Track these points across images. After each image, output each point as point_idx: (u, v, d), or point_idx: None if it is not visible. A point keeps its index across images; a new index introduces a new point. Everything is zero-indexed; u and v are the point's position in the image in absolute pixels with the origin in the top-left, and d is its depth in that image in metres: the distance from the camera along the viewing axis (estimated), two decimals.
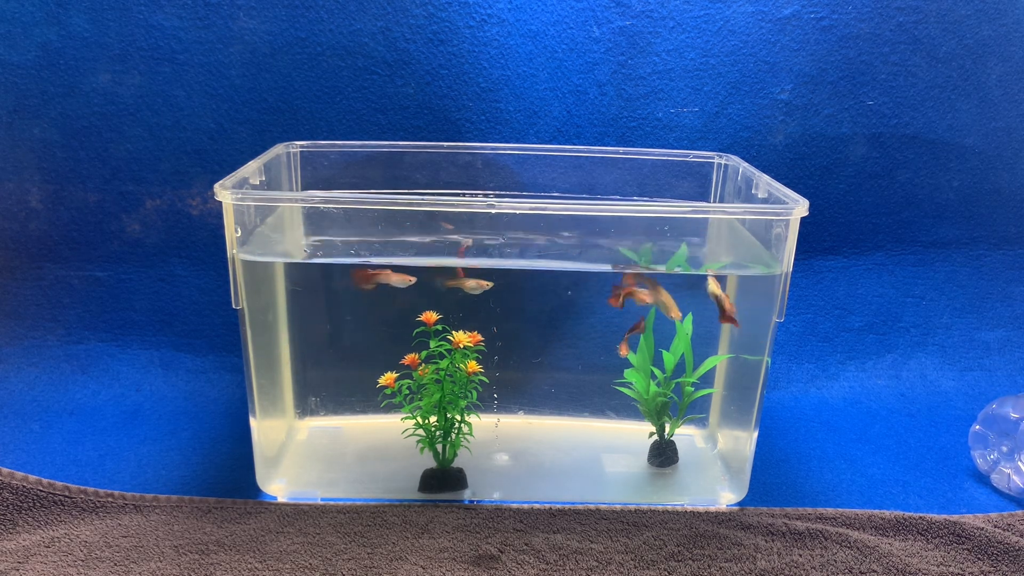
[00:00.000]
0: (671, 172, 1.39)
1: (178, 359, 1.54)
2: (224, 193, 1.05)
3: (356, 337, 1.34)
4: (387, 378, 1.17)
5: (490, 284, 1.19)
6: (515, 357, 1.33)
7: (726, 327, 1.30)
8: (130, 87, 1.43)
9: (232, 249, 1.08)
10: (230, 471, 1.27)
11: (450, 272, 1.19)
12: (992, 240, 1.62)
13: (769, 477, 1.30)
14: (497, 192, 1.40)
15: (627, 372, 1.27)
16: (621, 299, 1.20)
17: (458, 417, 1.18)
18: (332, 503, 1.17)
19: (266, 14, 1.40)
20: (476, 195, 1.39)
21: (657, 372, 1.26)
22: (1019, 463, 1.24)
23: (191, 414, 1.44)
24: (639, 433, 1.30)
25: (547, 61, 1.46)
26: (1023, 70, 1.52)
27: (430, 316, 1.15)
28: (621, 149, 1.40)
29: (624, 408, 1.35)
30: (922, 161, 1.56)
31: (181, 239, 1.51)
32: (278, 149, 1.32)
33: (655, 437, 1.28)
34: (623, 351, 1.24)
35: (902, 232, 1.60)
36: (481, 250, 1.14)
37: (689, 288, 1.26)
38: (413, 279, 1.17)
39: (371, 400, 1.22)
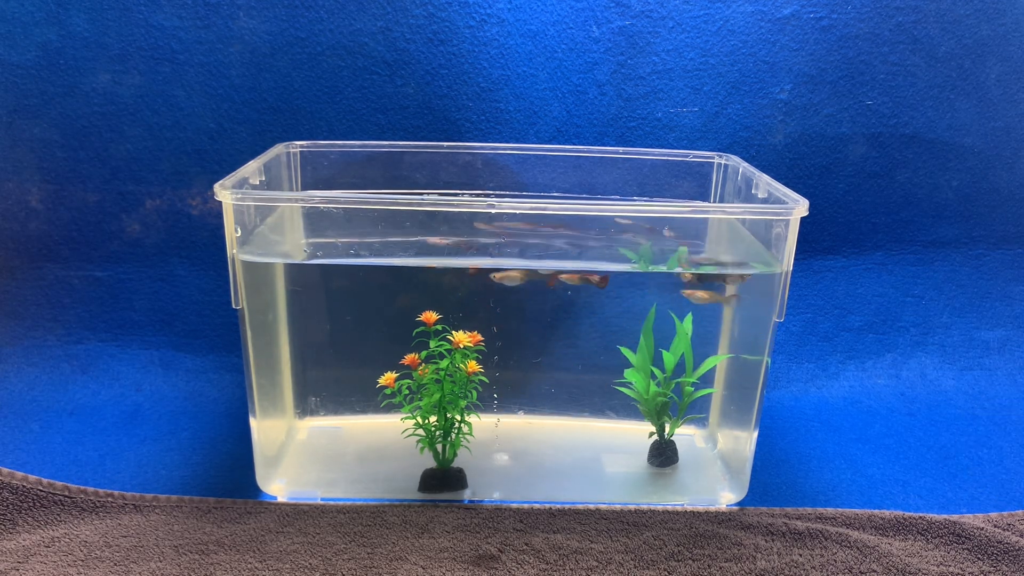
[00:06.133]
0: (671, 172, 1.39)
1: (178, 359, 1.54)
2: (224, 193, 1.05)
3: (356, 337, 1.34)
4: (387, 378, 1.17)
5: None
6: (515, 357, 1.33)
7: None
8: (130, 87, 1.43)
9: (232, 249, 1.08)
10: (230, 471, 1.27)
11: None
12: (991, 239, 1.63)
13: (769, 477, 1.30)
14: (497, 192, 1.40)
15: (627, 372, 1.27)
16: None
17: (458, 417, 1.18)
18: (332, 503, 1.17)
19: (266, 14, 1.41)
20: (476, 195, 1.39)
21: (657, 372, 1.26)
22: None
23: (191, 414, 1.44)
24: (639, 433, 1.30)
25: (547, 61, 1.46)
26: (1022, 70, 1.52)
27: (430, 316, 1.15)
28: (621, 149, 1.40)
29: (624, 408, 1.36)
30: (921, 161, 1.56)
31: (181, 239, 1.51)
32: (278, 149, 1.32)
33: (655, 437, 1.28)
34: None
35: (901, 232, 1.60)
36: (481, 250, 1.15)
37: (689, 287, 1.26)
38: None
39: (371, 400, 1.22)
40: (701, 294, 1.23)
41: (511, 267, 1.19)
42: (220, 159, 1.47)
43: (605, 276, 1.21)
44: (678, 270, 1.19)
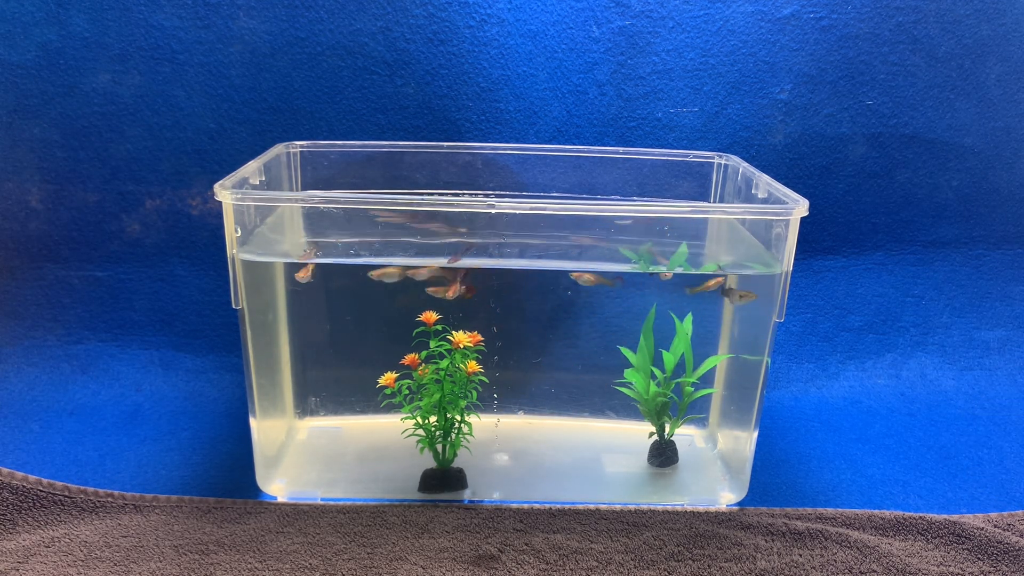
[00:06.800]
0: (671, 172, 1.39)
1: (178, 359, 1.54)
2: (224, 193, 1.05)
3: (356, 337, 1.34)
4: (387, 378, 1.17)
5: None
6: (515, 357, 1.33)
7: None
8: (130, 87, 1.43)
9: (232, 249, 1.08)
10: (230, 471, 1.27)
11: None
12: (991, 240, 1.63)
13: (769, 477, 1.30)
14: (497, 192, 1.40)
15: (627, 372, 1.27)
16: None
17: (458, 417, 1.18)
18: (332, 503, 1.17)
19: (266, 14, 1.41)
20: (476, 195, 1.39)
21: (657, 372, 1.26)
22: None
23: (191, 414, 1.44)
24: (639, 433, 1.30)
25: (547, 61, 1.46)
26: (1022, 70, 1.52)
27: (430, 316, 1.15)
28: (621, 149, 1.40)
29: (624, 408, 1.36)
30: (921, 161, 1.56)
31: (181, 239, 1.51)
32: (278, 149, 1.32)
33: (655, 437, 1.28)
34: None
35: (901, 232, 1.60)
36: (481, 250, 1.15)
37: (689, 287, 1.26)
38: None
39: (371, 400, 1.22)
40: (588, 276, 1.22)
41: (511, 267, 1.19)
42: (220, 159, 1.47)
43: (471, 286, 1.20)
44: (678, 270, 1.18)
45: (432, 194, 1.37)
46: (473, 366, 1.16)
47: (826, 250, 1.60)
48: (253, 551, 1.05)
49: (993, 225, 1.62)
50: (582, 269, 1.22)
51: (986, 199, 1.60)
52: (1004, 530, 1.13)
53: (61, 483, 1.16)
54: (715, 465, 1.30)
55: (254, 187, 1.16)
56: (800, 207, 1.07)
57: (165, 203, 1.49)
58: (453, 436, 1.19)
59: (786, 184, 1.17)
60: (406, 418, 1.19)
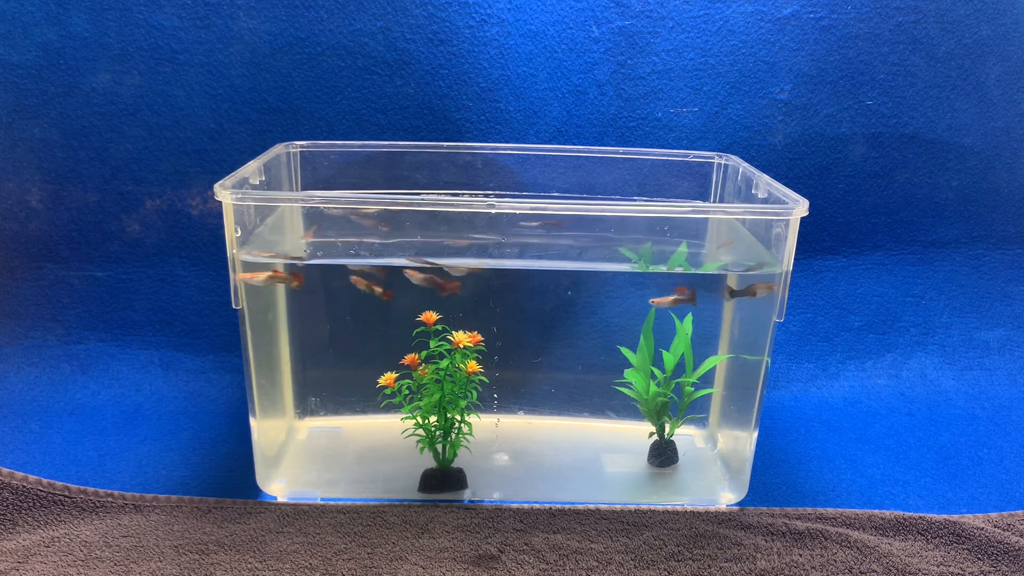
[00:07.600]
0: (671, 172, 1.39)
1: (178, 359, 1.54)
2: (224, 193, 1.05)
3: (356, 337, 1.34)
4: (387, 378, 1.17)
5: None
6: (515, 357, 1.33)
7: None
8: (130, 87, 1.43)
9: (232, 249, 1.08)
10: (230, 471, 1.27)
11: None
12: (991, 240, 1.63)
13: (769, 477, 1.30)
14: (497, 192, 1.40)
15: (627, 372, 1.27)
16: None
17: (458, 417, 1.18)
18: (332, 503, 1.17)
19: (266, 14, 1.41)
20: (476, 195, 1.39)
21: (657, 372, 1.26)
22: None
23: (191, 414, 1.44)
24: (639, 433, 1.30)
25: (547, 61, 1.46)
26: (1022, 70, 1.52)
27: (430, 316, 1.15)
28: (621, 149, 1.40)
29: (624, 408, 1.36)
30: (921, 161, 1.56)
31: (181, 239, 1.51)
32: (278, 149, 1.32)
33: (655, 437, 1.28)
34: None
35: (901, 232, 1.60)
36: (481, 250, 1.15)
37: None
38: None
39: (371, 400, 1.22)
40: (462, 269, 1.20)
41: (511, 267, 1.19)
42: (220, 159, 1.47)
43: (388, 291, 1.20)
44: (678, 269, 1.18)
45: (431, 194, 1.37)
46: (473, 366, 1.16)
47: (826, 250, 1.60)
48: (253, 551, 1.05)
49: (993, 225, 1.62)
50: (454, 263, 1.19)
51: (986, 199, 1.60)
52: (1004, 530, 1.13)
53: (61, 483, 1.16)
54: (715, 465, 1.30)
55: (254, 187, 1.16)
56: (800, 207, 1.07)
57: (165, 203, 1.49)
58: (453, 436, 1.19)
59: (786, 184, 1.17)
60: (406, 418, 1.19)
